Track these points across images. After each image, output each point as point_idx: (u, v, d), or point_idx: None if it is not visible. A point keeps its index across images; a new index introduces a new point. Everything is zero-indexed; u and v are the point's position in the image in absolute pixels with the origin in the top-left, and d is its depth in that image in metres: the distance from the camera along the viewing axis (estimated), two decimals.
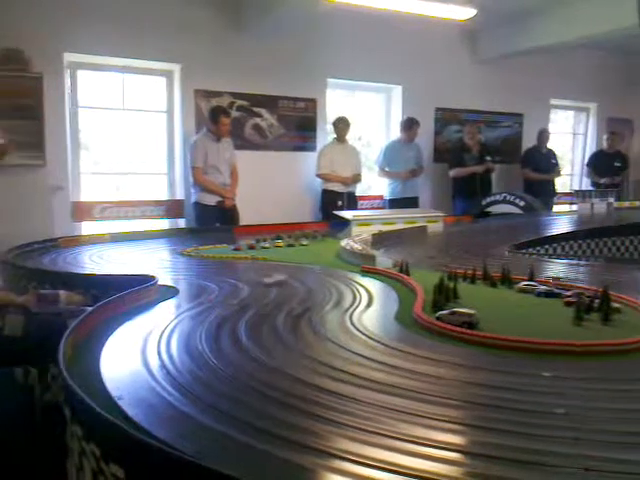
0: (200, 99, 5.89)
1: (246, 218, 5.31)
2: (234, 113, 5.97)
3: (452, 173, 7.07)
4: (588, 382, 1.09)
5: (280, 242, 3.38)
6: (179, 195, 5.99)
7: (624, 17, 4.71)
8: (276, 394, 1.03)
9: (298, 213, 6.00)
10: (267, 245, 3.29)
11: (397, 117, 7.18)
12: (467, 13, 5.78)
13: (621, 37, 6.52)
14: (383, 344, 1.34)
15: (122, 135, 5.89)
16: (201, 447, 0.82)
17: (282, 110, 6.39)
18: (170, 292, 1.93)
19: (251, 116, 6.21)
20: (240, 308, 1.69)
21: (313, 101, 6.59)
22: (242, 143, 6.05)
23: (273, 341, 1.37)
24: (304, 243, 3.44)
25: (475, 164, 6.98)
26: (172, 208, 5.87)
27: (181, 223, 5.76)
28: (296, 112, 6.49)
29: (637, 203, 6.37)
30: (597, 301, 1.52)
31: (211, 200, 5.34)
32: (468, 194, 6.73)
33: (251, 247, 3.20)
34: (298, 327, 1.49)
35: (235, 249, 3.14)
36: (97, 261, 2.80)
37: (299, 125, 6.54)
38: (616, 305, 1.52)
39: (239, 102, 6.11)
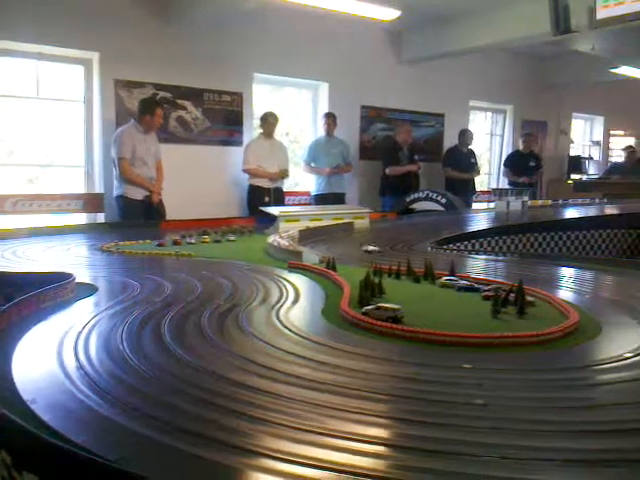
0: (121, 89, 5.68)
1: (170, 213, 5.18)
2: None
3: (389, 171, 7.21)
4: (504, 373, 1.14)
5: (206, 238, 3.32)
6: (98, 188, 5.76)
7: (539, 25, 4.96)
8: (201, 394, 1.01)
9: (224, 208, 5.92)
10: (193, 241, 3.23)
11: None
12: (391, 14, 5.89)
13: (536, 43, 6.87)
14: (310, 340, 1.34)
15: (36, 125, 5.58)
16: (123, 451, 0.79)
17: (207, 103, 6.28)
18: (88, 290, 1.85)
19: (175, 108, 6.06)
20: (164, 305, 1.65)
21: (239, 95, 6.51)
22: (166, 136, 5.90)
23: (198, 339, 1.34)
24: (231, 239, 3.39)
25: (408, 162, 7.18)
26: (90, 202, 5.63)
27: (100, 218, 5.54)
28: (222, 106, 6.39)
29: (550, 202, 6.74)
30: (513, 295, 1.59)
31: (138, 194, 5.14)
32: (400, 191, 6.86)
33: (176, 243, 3.12)
34: (224, 324, 1.47)
35: (159, 245, 3.06)
36: (10, 258, 2.64)
37: (225, 119, 6.45)
38: (530, 299, 1.60)
39: (162, 94, 5.94)
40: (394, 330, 1.36)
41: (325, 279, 2.05)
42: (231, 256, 2.69)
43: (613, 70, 8.17)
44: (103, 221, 5.28)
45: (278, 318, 1.53)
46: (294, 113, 7.54)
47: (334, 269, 2.14)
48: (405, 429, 0.89)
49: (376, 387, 1.05)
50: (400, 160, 7.16)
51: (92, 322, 1.46)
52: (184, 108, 6.11)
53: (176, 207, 5.30)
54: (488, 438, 0.85)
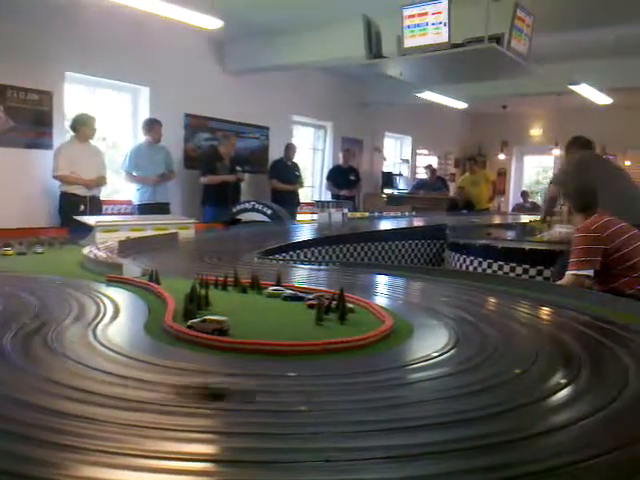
0: None
1: None
2: None
3: (204, 180, 7.13)
4: (327, 378, 1.18)
5: (9, 250, 2.99)
6: None
7: (355, 47, 5.29)
8: (2, 424, 0.89)
9: (31, 218, 5.40)
10: None
11: (145, 119, 6.95)
12: (214, 23, 5.84)
13: (353, 64, 7.33)
14: (131, 358, 1.26)
15: None
16: None
17: (11, 101, 5.68)
18: None
19: None
20: None
21: (48, 94, 5.99)
22: None
23: None
24: (39, 251, 3.10)
25: (227, 173, 7.16)
26: None
27: None
28: (28, 105, 5.83)
29: (367, 214, 7.21)
30: (335, 302, 1.66)
31: None
32: (218, 202, 6.85)
33: None
34: (30, 346, 1.32)
35: None
36: None
37: (32, 119, 5.88)
38: (350, 305, 1.68)
39: None
40: (220, 342, 1.34)
41: (148, 293, 1.96)
42: (39, 270, 2.44)
43: (418, 94, 9.02)
44: None
45: (95, 336, 1.42)
46: (112, 117, 7.15)
47: (157, 282, 2.05)
48: (231, 442, 0.88)
49: (201, 402, 1.02)
50: (218, 170, 7.14)
51: None
52: None
53: None
54: (313, 443, 0.87)
